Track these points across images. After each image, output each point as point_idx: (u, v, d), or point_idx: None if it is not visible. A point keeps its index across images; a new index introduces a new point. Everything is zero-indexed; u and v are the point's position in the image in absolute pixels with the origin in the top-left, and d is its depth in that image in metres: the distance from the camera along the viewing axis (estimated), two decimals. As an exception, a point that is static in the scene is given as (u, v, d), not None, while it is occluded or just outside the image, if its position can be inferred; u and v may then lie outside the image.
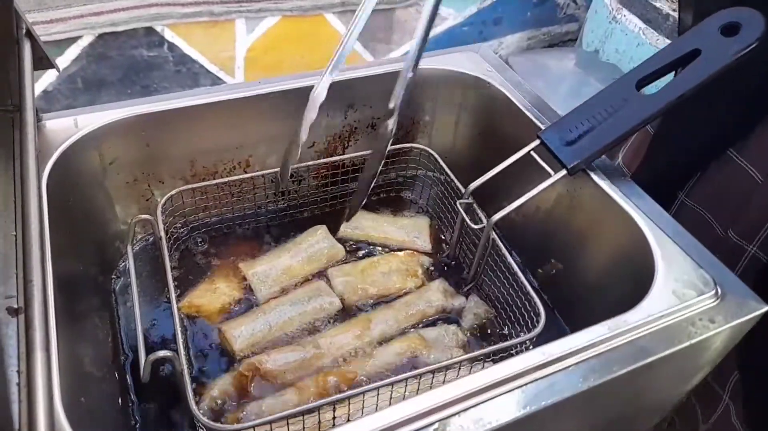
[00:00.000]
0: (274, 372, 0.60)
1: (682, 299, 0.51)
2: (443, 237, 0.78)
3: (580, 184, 0.63)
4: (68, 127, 0.61)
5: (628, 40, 1.87)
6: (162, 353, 0.48)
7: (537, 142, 0.64)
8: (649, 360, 0.47)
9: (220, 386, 0.60)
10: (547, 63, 2.09)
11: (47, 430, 0.36)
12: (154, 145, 0.67)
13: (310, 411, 0.49)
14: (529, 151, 0.64)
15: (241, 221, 0.75)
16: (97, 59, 1.42)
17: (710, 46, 0.59)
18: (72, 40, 1.40)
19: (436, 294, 0.69)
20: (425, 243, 0.76)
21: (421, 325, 0.68)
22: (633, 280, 0.57)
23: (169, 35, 1.46)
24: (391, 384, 0.52)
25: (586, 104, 0.64)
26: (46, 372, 0.38)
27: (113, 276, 0.69)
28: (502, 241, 0.64)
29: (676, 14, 1.73)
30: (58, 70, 0.60)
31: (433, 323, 0.69)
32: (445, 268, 0.75)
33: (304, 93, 0.68)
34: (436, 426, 0.42)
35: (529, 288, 0.60)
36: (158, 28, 1.46)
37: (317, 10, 1.53)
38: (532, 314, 0.60)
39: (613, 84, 0.63)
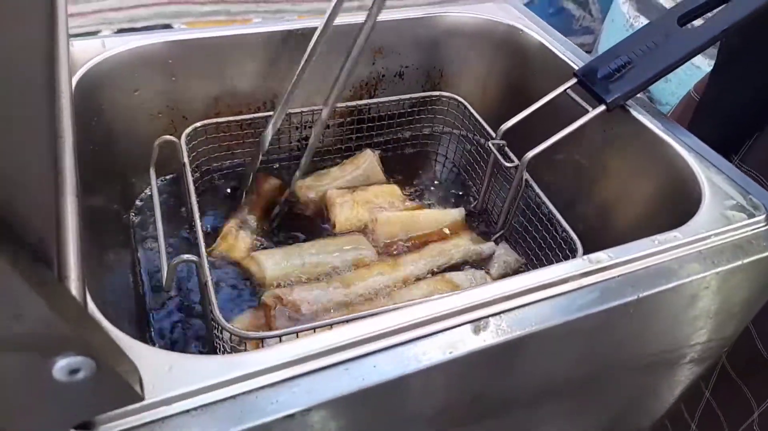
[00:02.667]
0: (297, 303, 0.57)
1: (731, 221, 0.48)
2: (471, 191, 0.76)
3: (618, 122, 0.61)
4: (96, 47, 0.60)
5: (645, 47, 1.87)
6: (186, 256, 0.46)
7: (573, 80, 0.62)
8: (701, 275, 0.44)
9: (242, 319, 0.57)
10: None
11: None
12: (180, 76, 0.65)
13: (339, 325, 0.47)
14: (565, 90, 0.63)
15: (264, 164, 0.73)
16: (115, 55, 1.43)
17: (756, -23, 0.57)
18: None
19: (464, 240, 0.67)
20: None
21: (448, 270, 0.65)
22: (675, 215, 0.54)
23: (187, 33, 1.47)
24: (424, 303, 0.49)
25: (625, 41, 0.62)
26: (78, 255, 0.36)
27: (132, 212, 0.67)
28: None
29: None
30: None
31: (460, 269, 0.66)
32: (474, 220, 0.72)
33: (337, 32, 0.67)
34: (474, 323, 0.39)
35: (565, 224, 0.58)
36: (176, 26, 1.46)
37: (334, 12, 1.54)
38: (567, 252, 0.58)
39: (654, 21, 0.62)
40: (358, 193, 0.70)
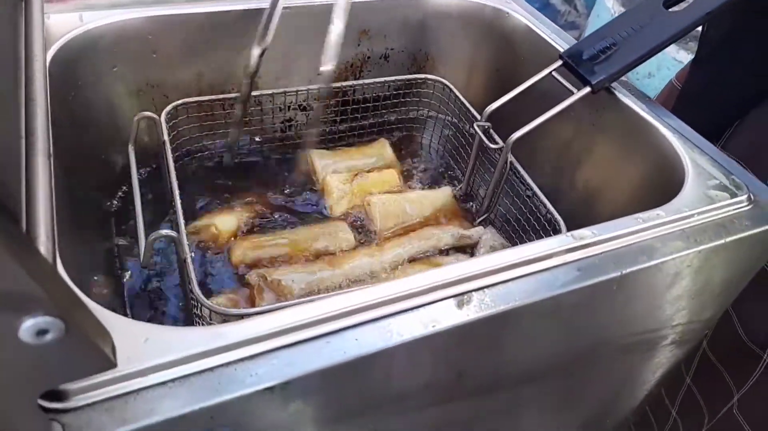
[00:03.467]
0: (282, 283, 0.57)
1: (714, 200, 0.48)
2: (456, 175, 0.75)
3: (603, 104, 0.61)
4: (73, 21, 0.58)
5: (630, 42, 1.89)
6: (164, 231, 0.45)
7: (559, 62, 0.62)
8: (684, 253, 0.44)
9: (222, 297, 0.57)
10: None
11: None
12: (161, 53, 0.64)
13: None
14: (551, 72, 0.62)
15: (247, 146, 0.72)
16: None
17: (741, -39, 0.57)
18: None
19: (453, 225, 0.66)
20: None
21: (434, 254, 0.65)
22: (659, 196, 0.54)
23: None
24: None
25: (611, 24, 0.62)
26: (49, 217, 0.35)
27: (114, 200, 0.66)
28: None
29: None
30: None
31: (446, 253, 0.66)
32: (459, 203, 0.72)
33: (320, 11, 0.67)
34: (457, 298, 0.39)
35: (549, 206, 0.58)
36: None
37: None
38: (551, 234, 0.58)
39: (639, 4, 0.62)
40: (357, 182, 0.70)
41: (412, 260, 0.63)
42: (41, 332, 0.23)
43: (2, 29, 0.19)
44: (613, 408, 0.70)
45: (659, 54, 0.61)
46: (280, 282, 0.56)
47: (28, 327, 0.23)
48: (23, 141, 0.29)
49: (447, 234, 0.65)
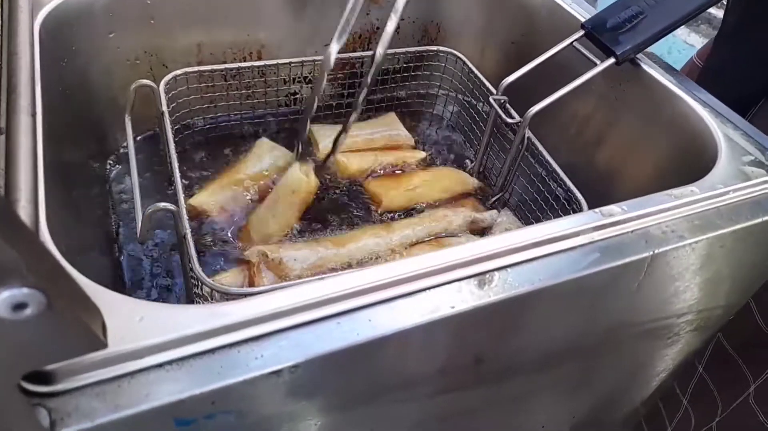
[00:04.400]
0: (283, 262, 0.54)
1: (750, 176, 0.45)
2: (468, 153, 0.72)
3: (627, 76, 0.58)
4: (66, -18, 0.55)
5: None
6: (162, 204, 0.42)
7: (581, 32, 0.59)
8: (719, 232, 0.41)
9: (224, 276, 0.54)
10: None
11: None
12: (159, 20, 0.60)
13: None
14: (572, 43, 0.59)
15: (249, 121, 0.69)
16: None
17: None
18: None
19: (465, 208, 0.63)
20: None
21: (443, 236, 0.62)
22: (688, 175, 0.51)
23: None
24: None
25: (635, -9, 0.59)
26: (32, 180, 0.32)
27: (109, 164, 0.63)
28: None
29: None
30: None
31: (455, 235, 0.62)
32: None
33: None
34: (478, 277, 0.36)
35: (570, 184, 0.55)
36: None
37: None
38: (570, 212, 0.55)
39: (667, -31, 0.58)
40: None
41: (421, 242, 0.60)
42: (19, 306, 0.20)
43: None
44: (625, 398, 0.67)
45: (669, 36, 0.58)
46: (281, 260, 0.53)
47: (3, 299, 0.20)
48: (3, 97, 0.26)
49: (459, 216, 0.62)
